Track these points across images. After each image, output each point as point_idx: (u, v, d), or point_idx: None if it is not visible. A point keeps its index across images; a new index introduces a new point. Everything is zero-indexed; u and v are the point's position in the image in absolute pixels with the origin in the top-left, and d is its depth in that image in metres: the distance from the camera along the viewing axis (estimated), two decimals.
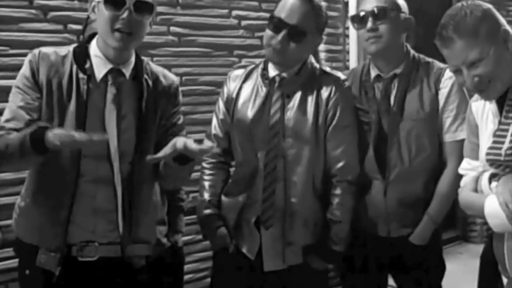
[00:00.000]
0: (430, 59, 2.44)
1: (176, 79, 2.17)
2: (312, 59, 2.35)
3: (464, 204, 1.94)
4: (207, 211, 2.37)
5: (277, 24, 2.20)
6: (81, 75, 1.95)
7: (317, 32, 2.27)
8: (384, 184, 2.37)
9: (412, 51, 2.44)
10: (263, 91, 2.30)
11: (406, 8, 2.42)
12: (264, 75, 2.31)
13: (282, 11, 2.21)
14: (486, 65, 1.79)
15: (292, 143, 2.25)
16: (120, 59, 2.00)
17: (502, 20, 1.85)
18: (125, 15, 1.90)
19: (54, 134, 1.77)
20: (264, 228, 2.28)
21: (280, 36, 2.18)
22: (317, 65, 2.36)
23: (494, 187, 1.80)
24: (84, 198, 1.95)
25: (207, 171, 2.43)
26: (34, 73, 1.94)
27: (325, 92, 2.28)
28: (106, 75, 1.98)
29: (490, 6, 1.86)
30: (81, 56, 1.98)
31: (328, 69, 2.39)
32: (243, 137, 2.32)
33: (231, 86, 2.37)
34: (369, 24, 2.33)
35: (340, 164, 2.29)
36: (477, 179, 1.90)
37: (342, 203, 2.29)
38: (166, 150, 1.87)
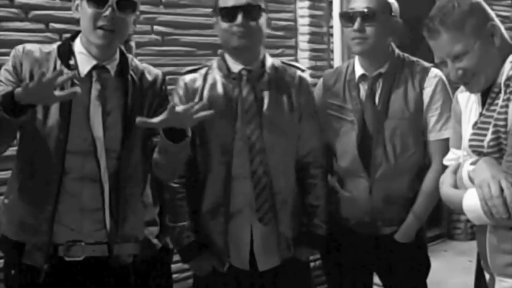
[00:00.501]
0: (415, 58, 2.45)
1: (160, 73, 2.15)
2: (266, 53, 2.34)
3: (445, 199, 1.95)
4: (187, 239, 2.27)
5: (230, 11, 2.17)
6: (65, 70, 1.94)
7: (265, 7, 2.25)
8: (369, 182, 2.38)
9: (397, 50, 2.44)
10: (230, 89, 2.24)
11: (397, 10, 2.41)
12: (229, 72, 2.25)
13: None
14: (471, 59, 1.80)
15: (271, 135, 2.24)
16: (104, 56, 1.99)
17: (491, 14, 1.85)
18: (107, 12, 1.90)
19: (22, 87, 1.73)
20: (262, 225, 2.25)
21: (238, 20, 2.16)
22: (274, 59, 2.36)
23: (470, 170, 1.81)
24: (69, 196, 1.95)
25: (180, 193, 2.28)
26: (16, 67, 1.94)
27: (292, 81, 2.31)
28: (90, 72, 1.98)
29: None
30: (65, 52, 1.98)
31: (285, 60, 2.43)
32: (214, 140, 2.24)
33: (190, 92, 2.27)
34: (357, 25, 2.31)
35: (315, 151, 2.35)
36: (455, 172, 1.91)
37: (321, 187, 2.36)
38: (160, 117, 1.84)
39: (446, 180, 1.94)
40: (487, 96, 1.86)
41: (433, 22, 1.82)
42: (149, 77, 2.10)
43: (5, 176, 2.78)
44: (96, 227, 1.98)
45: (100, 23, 1.91)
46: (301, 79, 2.34)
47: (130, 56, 2.11)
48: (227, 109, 2.23)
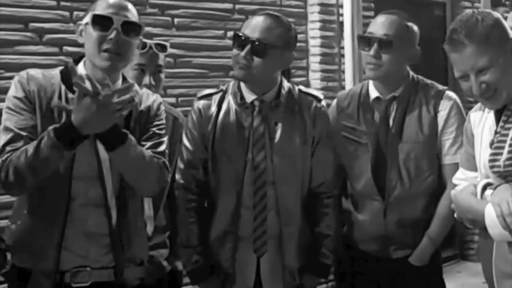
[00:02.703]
0: (429, 81, 2.44)
1: (158, 97, 2.13)
2: (284, 80, 2.32)
3: (462, 208, 1.90)
4: (196, 260, 2.27)
5: (240, 41, 2.18)
6: (70, 95, 1.93)
7: (284, 47, 2.23)
8: (383, 205, 2.36)
9: (411, 73, 2.43)
10: (243, 118, 2.24)
11: (417, 37, 2.39)
12: (243, 102, 2.25)
13: (246, 27, 2.20)
14: (494, 73, 1.79)
15: (281, 167, 2.23)
16: (111, 81, 1.98)
17: (510, 30, 1.86)
18: (112, 35, 1.90)
19: (76, 115, 1.75)
20: (257, 256, 2.25)
21: (244, 52, 2.16)
22: (292, 85, 2.34)
23: (489, 195, 1.80)
24: (76, 222, 1.93)
25: (192, 217, 2.28)
26: (27, 95, 1.92)
27: (308, 111, 2.29)
28: None
29: (499, 15, 1.87)
30: (69, 76, 1.96)
31: (303, 87, 2.39)
32: (226, 167, 2.24)
33: (204, 118, 2.27)
34: (373, 51, 2.30)
35: (328, 181, 2.33)
36: (474, 186, 1.90)
37: (332, 217, 2.33)
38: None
39: (467, 188, 1.91)
40: (501, 113, 1.85)
41: (457, 35, 1.81)
42: (148, 102, 2.07)
43: (8, 200, 2.82)
44: (102, 252, 1.97)
45: (105, 46, 1.90)
46: (317, 109, 2.31)
47: (130, 81, 2.09)
48: (239, 138, 2.23)
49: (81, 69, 1.99)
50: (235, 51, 2.20)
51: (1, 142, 1.89)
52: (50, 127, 1.80)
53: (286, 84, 2.32)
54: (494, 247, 1.84)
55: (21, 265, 1.96)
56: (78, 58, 2.05)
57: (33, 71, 1.97)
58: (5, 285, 2.64)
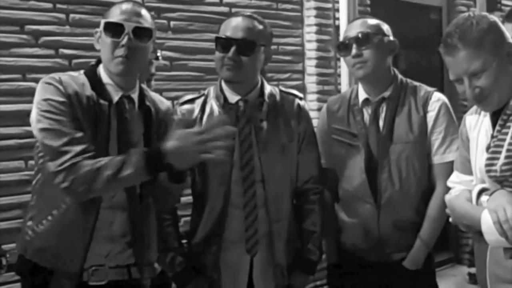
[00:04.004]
0: (417, 83, 2.46)
1: (170, 104, 2.21)
2: (264, 80, 2.34)
3: (457, 214, 1.90)
4: (180, 262, 2.26)
5: (224, 43, 2.19)
6: (101, 101, 1.98)
7: (266, 43, 2.26)
8: (376, 208, 2.37)
9: (399, 75, 2.45)
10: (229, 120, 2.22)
11: (389, 31, 2.44)
12: (226, 103, 2.26)
13: (227, 30, 2.22)
14: (488, 77, 1.79)
15: (269, 165, 2.24)
16: (126, 85, 2.04)
17: (507, 34, 1.85)
18: (124, 41, 1.95)
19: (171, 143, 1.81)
20: (250, 256, 2.25)
21: (230, 53, 2.17)
22: (270, 87, 2.36)
23: (484, 201, 1.80)
24: (102, 225, 1.98)
25: (167, 219, 2.26)
26: (67, 99, 1.92)
27: (291, 110, 2.32)
28: (118, 101, 2.02)
29: (496, 19, 1.86)
30: (97, 83, 2.01)
31: (282, 87, 2.42)
32: (212, 169, 2.24)
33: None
34: (354, 51, 2.34)
35: (314, 177, 2.36)
36: (469, 191, 1.90)
37: (318, 213, 2.36)
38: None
39: (461, 194, 1.91)
40: (497, 117, 1.85)
41: (451, 38, 1.81)
42: (162, 107, 2.17)
43: (8, 201, 2.83)
44: (120, 252, 2.03)
45: (118, 52, 1.95)
46: (300, 107, 2.35)
47: (143, 86, 2.16)
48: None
49: (104, 76, 2.03)
50: (218, 54, 2.20)
51: (55, 144, 1.87)
52: (139, 150, 1.86)
53: (267, 85, 2.34)
54: (488, 252, 1.84)
55: (45, 265, 1.99)
56: (95, 62, 2.08)
57: (63, 77, 1.98)
58: (8, 285, 2.68)
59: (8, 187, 2.86)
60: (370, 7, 4.29)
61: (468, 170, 1.99)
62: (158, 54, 2.64)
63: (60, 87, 1.93)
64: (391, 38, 2.42)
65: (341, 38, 2.52)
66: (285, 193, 2.30)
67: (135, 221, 2.02)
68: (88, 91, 1.98)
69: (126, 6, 2.00)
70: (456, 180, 2.04)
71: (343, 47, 2.40)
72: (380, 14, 2.81)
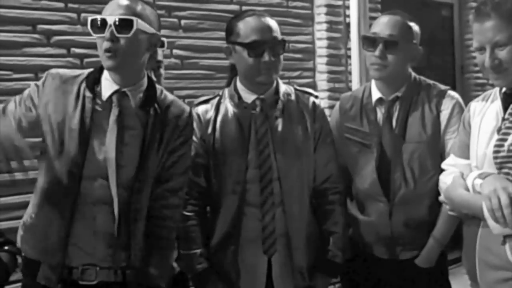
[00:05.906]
0: (431, 82, 2.44)
1: (188, 109, 2.11)
2: (279, 79, 2.33)
3: (456, 203, 1.94)
4: (200, 266, 2.24)
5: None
6: (87, 93, 1.98)
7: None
8: (389, 206, 2.36)
9: (413, 74, 2.44)
10: (242, 118, 2.24)
11: (418, 36, 2.40)
12: (241, 101, 2.26)
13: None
14: (510, 52, 1.83)
15: (285, 163, 2.23)
16: (123, 81, 2.00)
17: None
18: (107, 34, 1.93)
19: None
20: (267, 257, 2.24)
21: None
22: (285, 85, 2.35)
23: (477, 184, 1.82)
24: (84, 219, 1.97)
25: (193, 220, 2.26)
26: (36, 93, 2.01)
27: (306, 108, 2.31)
28: (110, 97, 2.00)
29: None
30: (93, 77, 2.02)
31: (296, 86, 2.42)
32: (227, 168, 2.23)
33: (203, 123, 2.27)
34: (378, 52, 2.31)
35: (332, 176, 2.33)
36: (462, 176, 1.92)
37: (339, 213, 2.33)
38: None
39: (457, 182, 1.92)
40: (509, 101, 1.88)
41: (485, 6, 1.86)
42: (174, 111, 2.07)
43: (8, 201, 2.83)
44: (109, 252, 1.99)
45: (104, 46, 1.94)
46: (315, 105, 2.34)
47: (159, 88, 2.10)
48: (240, 139, 2.24)
49: (105, 72, 2.03)
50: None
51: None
52: None
53: (281, 84, 2.33)
54: (478, 238, 1.85)
55: (32, 257, 2.01)
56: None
57: (63, 71, 2.08)
58: (17, 284, 2.69)
59: (13, 187, 2.86)
60: (381, 4, 4.28)
61: (465, 155, 2.01)
62: (163, 39, 2.56)
63: (44, 81, 2.03)
64: (418, 45, 2.40)
65: (353, 33, 2.53)
66: (302, 191, 2.28)
67: (119, 216, 1.97)
68: (77, 83, 2.00)
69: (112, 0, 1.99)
70: (451, 163, 2.06)
71: (369, 42, 2.36)
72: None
